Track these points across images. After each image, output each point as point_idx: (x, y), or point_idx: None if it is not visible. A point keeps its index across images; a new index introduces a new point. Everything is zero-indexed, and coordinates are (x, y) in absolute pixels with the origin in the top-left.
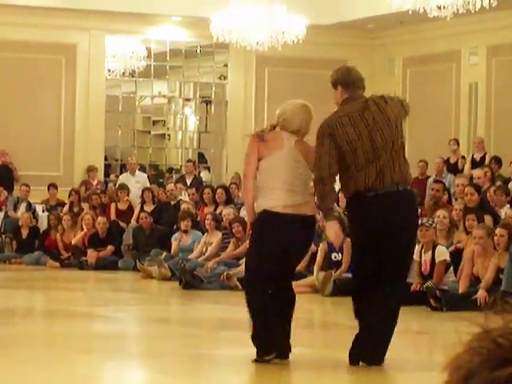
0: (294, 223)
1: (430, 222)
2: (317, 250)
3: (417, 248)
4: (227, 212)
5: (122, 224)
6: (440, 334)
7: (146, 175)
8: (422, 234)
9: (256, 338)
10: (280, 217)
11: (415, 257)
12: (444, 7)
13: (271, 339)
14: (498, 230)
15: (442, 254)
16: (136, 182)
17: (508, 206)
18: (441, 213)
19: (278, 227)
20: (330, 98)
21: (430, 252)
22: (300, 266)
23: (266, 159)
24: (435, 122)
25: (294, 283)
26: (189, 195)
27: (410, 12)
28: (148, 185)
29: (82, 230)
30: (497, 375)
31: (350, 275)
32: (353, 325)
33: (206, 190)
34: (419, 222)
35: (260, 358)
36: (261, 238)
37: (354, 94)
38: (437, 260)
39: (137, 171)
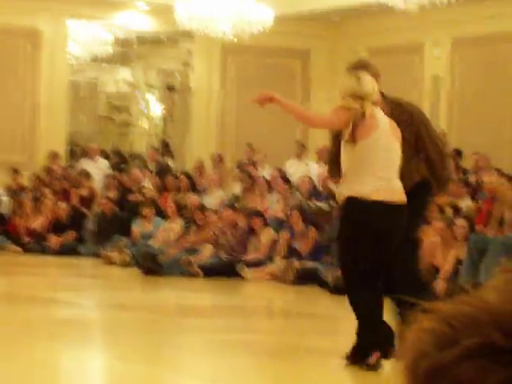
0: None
1: None
2: (278, 237)
3: None
4: (194, 199)
5: (84, 210)
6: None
7: (106, 161)
8: None
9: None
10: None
11: None
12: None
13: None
14: (459, 221)
15: None
16: (96, 168)
17: (469, 197)
18: None
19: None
20: (293, 87)
21: None
22: (261, 254)
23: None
24: None
25: (254, 270)
26: (152, 183)
27: (376, 4)
28: (108, 171)
29: (44, 215)
30: (444, 355)
31: (312, 264)
32: (313, 313)
33: (169, 177)
34: None
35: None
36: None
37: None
38: None
39: (98, 157)
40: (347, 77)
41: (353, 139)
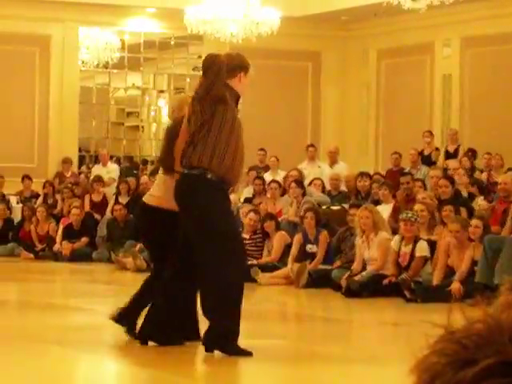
0: None
1: (415, 217)
2: (291, 241)
3: (396, 238)
4: None
5: (97, 216)
6: (415, 325)
7: (117, 166)
8: (405, 229)
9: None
10: None
11: (394, 247)
12: None
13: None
14: (474, 222)
15: (423, 249)
16: (107, 173)
17: (482, 197)
18: (418, 207)
19: None
20: (305, 88)
21: (410, 245)
22: (274, 257)
23: None
24: (409, 113)
25: (268, 275)
26: None
27: (385, 4)
28: (117, 176)
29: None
30: (461, 376)
31: (325, 267)
32: (327, 317)
33: None
34: (403, 215)
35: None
36: None
37: None
38: (417, 255)
39: (109, 163)
40: None
41: None
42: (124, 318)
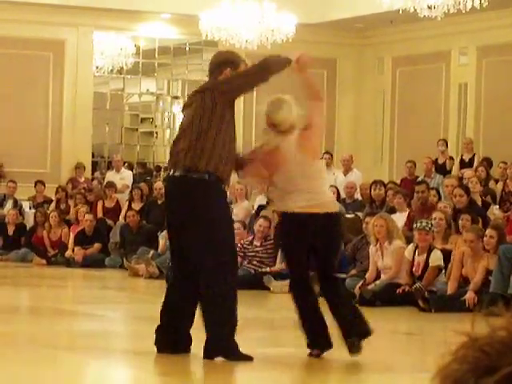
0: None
1: (430, 226)
2: None
3: (410, 247)
4: None
5: (109, 222)
6: (429, 335)
7: (131, 172)
8: (420, 238)
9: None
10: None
11: (408, 256)
12: (435, 7)
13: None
14: (489, 231)
15: (437, 259)
16: (120, 179)
17: (497, 206)
18: (437, 215)
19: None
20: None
21: (424, 254)
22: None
23: None
24: (424, 122)
25: (281, 283)
26: None
27: (400, 11)
28: (131, 182)
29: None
30: (486, 382)
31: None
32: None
33: None
34: (417, 224)
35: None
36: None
37: None
38: (431, 264)
39: (122, 168)
40: None
41: None
42: None
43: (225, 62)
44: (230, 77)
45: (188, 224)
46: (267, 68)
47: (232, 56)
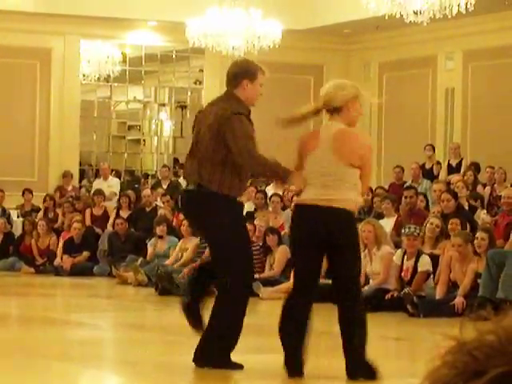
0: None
1: (418, 232)
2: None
3: (399, 253)
4: None
5: (97, 230)
6: (418, 340)
7: (118, 180)
8: (408, 244)
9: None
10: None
11: (396, 261)
12: (420, 12)
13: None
14: (480, 234)
15: (426, 264)
16: (108, 187)
17: (484, 211)
18: (434, 221)
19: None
20: (305, 102)
21: (413, 259)
22: (276, 272)
23: None
24: (411, 127)
25: (270, 289)
26: (163, 202)
27: (387, 17)
28: (118, 190)
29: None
30: None
31: (328, 281)
32: (330, 331)
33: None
34: (406, 230)
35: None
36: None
37: None
38: (419, 269)
39: (110, 176)
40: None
41: None
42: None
43: (241, 72)
44: (240, 139)
45: None
46: (268, 170)
47: (248, 66)
